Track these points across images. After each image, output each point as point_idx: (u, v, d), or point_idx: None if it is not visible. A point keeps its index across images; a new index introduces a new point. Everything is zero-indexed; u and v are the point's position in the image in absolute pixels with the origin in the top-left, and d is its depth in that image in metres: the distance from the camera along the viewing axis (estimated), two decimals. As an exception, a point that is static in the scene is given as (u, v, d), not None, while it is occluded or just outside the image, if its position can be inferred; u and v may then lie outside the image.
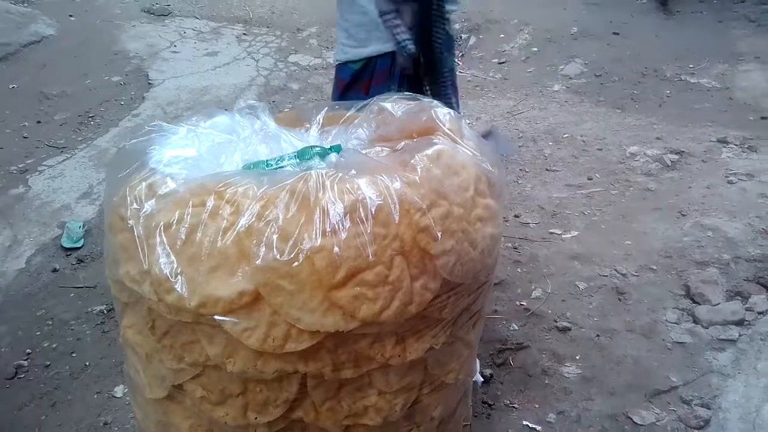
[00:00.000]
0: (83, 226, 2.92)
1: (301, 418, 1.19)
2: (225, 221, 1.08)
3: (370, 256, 1.06)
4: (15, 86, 4.26)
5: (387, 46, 1.87)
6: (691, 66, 4.65)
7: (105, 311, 2.43)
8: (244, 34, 5.38)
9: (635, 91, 4.39)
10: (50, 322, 2.39)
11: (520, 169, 3.38)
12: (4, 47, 4.63)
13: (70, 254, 2.77)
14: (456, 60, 1.96)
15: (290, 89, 4.56)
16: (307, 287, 1.05)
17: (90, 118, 3.95)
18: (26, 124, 3.85)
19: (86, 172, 3.39)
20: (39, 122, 3.88)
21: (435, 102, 1.43)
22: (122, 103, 4.18)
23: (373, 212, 1.08)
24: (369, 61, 1.92)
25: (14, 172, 3.36)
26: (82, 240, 2.84)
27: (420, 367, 1.24)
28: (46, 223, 2.97)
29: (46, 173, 3.37)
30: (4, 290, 2.56)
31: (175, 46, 5.07)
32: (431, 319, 1.19)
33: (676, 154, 3.41)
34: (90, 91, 4.28)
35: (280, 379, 1.13)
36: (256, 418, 1.16)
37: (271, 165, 1.29)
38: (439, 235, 1.12)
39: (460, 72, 4.83)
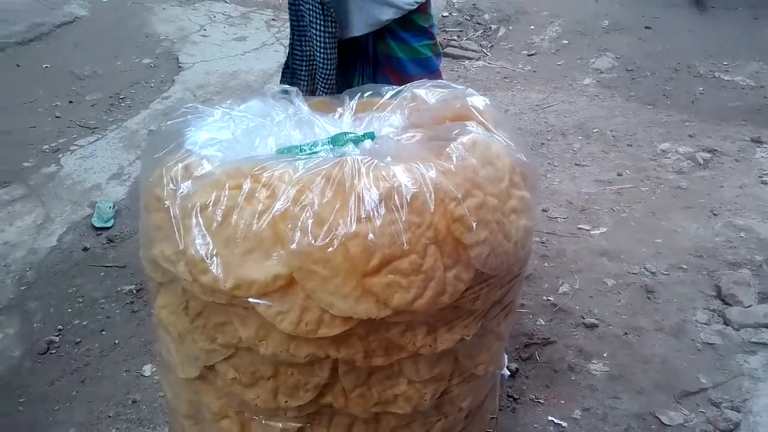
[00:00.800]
0: (113, 206, 2.95)
1: (331, 403, 1.19)
2: (261, 204, 1.08)
3: (405, 245, 1.06)
4: (48, 66, 4.32)
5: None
6: (725, 63, 4.56)
7: (134, 291, 2.46)
8: (273, 19, 5.38)
9: (667, 87, 4.32)
10: (81, 300, 2.43)
11: (549, 163, 3.35)
12: (37, 27, 4.70)
13: (101, 234, 2.81)
14: (428, 49, 1.94)
15: (318, 76, 4.56)
16: (341, 273, 1.05)
17: (121, 100, 3.99)
18: (59, 103, 3.90)
19: (117, 153, 3.43)
20: (71, 102, 3.93)
21: (469, 90, 1.42)
22: (152, 85, 4.21)
23: (408, 200, 1.07)
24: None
25: (47, 151, 3.41)
26: (113, 220, 2.87)
27: (450, 358, 1.24)
28: (78, 202, 3.01)
29: (78, 153, 3.41)
30: (36, 267, 2.61)
31: (204, 29, 5.09)
32: (463, 310, 1.19)
33: (708, 152, 3.35)
34: (121, 73, 4.32)
35: (311, 364, 1.13)
36: (286, 401, 1.17)
37: (305, 150, 1.29)
38: (474, 225, 1.11)
39: (489, 63, 4.80)
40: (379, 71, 1.95)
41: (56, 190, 3.10)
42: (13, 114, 3.76)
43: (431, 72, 1.92)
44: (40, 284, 2.52)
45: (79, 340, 2.25)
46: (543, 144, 3.54)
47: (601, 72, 4.57)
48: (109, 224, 2.85)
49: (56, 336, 2.27)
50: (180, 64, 4.50)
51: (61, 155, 3.38)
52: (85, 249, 2.71)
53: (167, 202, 1.15)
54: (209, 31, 5.10)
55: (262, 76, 4.45)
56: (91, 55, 4.51)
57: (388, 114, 1.43)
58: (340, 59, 1.86)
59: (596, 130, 3.67)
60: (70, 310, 2.38)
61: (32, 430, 1.95)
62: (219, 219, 1.09)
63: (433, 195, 1.08)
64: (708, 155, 3.30)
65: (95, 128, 3.66)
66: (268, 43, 4.96)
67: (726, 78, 4.39)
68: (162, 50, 4.71)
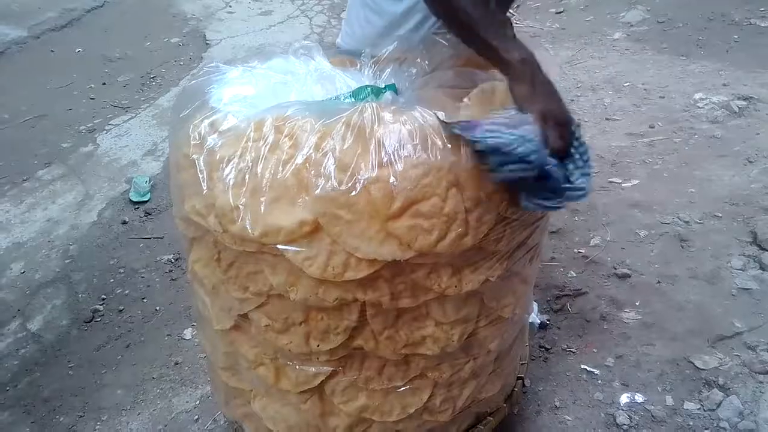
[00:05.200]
0: (149, 180, 3.04)
1: (362, 346, 1.22)
2: (284, 154, 1.10)
3: (426, 187, 1.07)
4: (81, 50, 4.43)
5: None
6: (761, 9, 4.40)
7: (173, 260, 2.54)
8: (298, -8, 5.39)
9: (700, 37, 4.19)
10: (122, 271, 2.52)
11: (578, 119, 3.29)
12: (69, 13, 4.81)
13: (138, 207, 2.90)
14: None
15: (344, 46, 4.56)
16: (365, 217, 1.07)
17: (151, 79, 4.07)
18: (92, 86, 4.01)
19: (150, 130, 3.52)
20: (104, 84, 4.03)
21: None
22: (181, 63, 4.28)
23: (428, 144, 1.08)
24: None
25: (83, 131, 3.51)
26: (149, 194, 2.96)
27: (476, 300, 1.26)
28: (115, 178, 3.11)
29: (113, 132, 3.51)
30: (79, 241, 2.71)
31: (230, 6, 5.13)
32: (487, 252, 1.20)
33: (743, 100, 3.26)
34: (151, 53, 4.40)
35: (340, 308, 1.16)
36: (318, 345, 1.20)
37: (327, 105, 1.31)
38: (494, 167, 1.11)
39: (515, 23, 4.72)
40: None
41: (94, 168, 3.20)
42: (50, 98, 3.87)
43: None
44: (83, 257, 2.62)
45: (122, 308, 2.34)
46: (572, 100, 3.49)
47: (632, 25, 4.46)
48: (145, 198, 2.93)
49: (100, 305, 2.36)
50: (207, 41, 4.56)
51: (97, 135, 3.48)
52: (124, 222, 2.80)
53: (195, 158, 1.19)
54: (234, 7, 5.14)
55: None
56: (121, 38, 4.61)
57: (407, 65, 1.44)
58: None
59: (627, 84, 3.61)
60: (112, 281, 2.48)
61: (82, 392, 2.04)
62: (245, 170, 1.12)
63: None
64: (743, 103, 3.22)
65: (128, 107, 3.76)
66: (294, 16, 4.98)
67: (763, 24, 4.24)
68: (189, 29, 4.77)
